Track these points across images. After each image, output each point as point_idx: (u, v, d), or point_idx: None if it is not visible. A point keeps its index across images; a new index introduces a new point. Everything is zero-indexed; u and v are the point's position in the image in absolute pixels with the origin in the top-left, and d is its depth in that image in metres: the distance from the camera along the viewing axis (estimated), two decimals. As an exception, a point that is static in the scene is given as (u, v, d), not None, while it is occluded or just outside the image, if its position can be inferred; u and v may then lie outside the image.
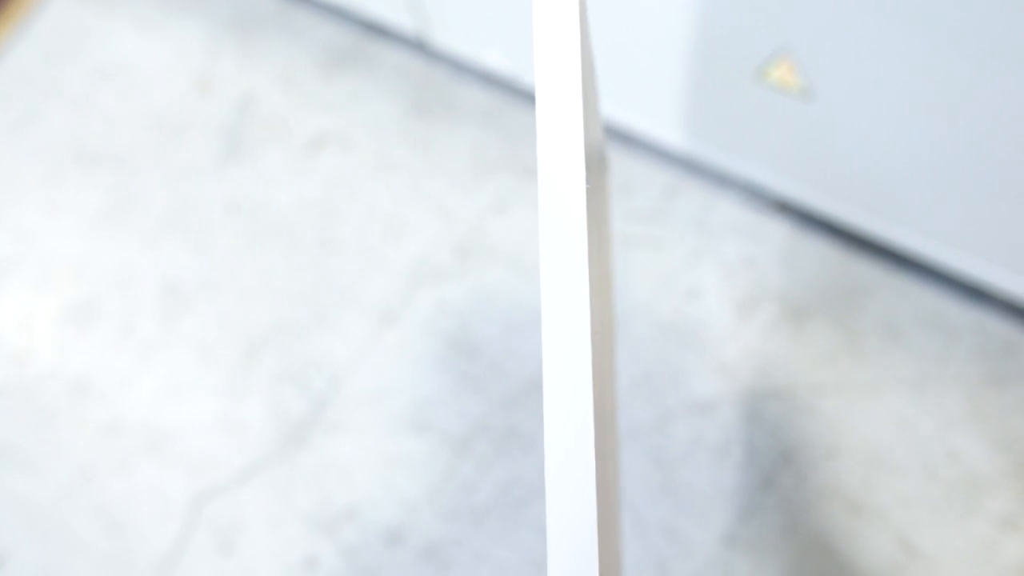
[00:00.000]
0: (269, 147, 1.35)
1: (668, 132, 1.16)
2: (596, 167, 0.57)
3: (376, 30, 1.44)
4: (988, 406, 1.06)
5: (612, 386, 0.72)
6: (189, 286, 1.26)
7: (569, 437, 0.43)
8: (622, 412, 1.10)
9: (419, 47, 1.40)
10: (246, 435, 1.15)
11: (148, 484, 1.14)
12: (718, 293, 1.16)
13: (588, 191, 0.44)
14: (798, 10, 0.88)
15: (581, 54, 0.44)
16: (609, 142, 1.27)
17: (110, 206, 1.34)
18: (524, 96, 1.32)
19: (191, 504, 1.12)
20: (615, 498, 0.56)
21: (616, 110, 1.18)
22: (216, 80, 1.43)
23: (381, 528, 1.09)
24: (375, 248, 1.25)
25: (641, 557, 1.05)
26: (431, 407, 1.13)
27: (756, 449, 1.07)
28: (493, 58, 1.24)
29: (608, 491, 0.50)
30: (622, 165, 1.26)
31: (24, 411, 1.20)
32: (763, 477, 1.06)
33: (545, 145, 0.42)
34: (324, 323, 1.20)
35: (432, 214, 1.26)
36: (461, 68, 1.37)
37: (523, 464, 1.10)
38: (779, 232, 1.18)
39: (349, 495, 1.10)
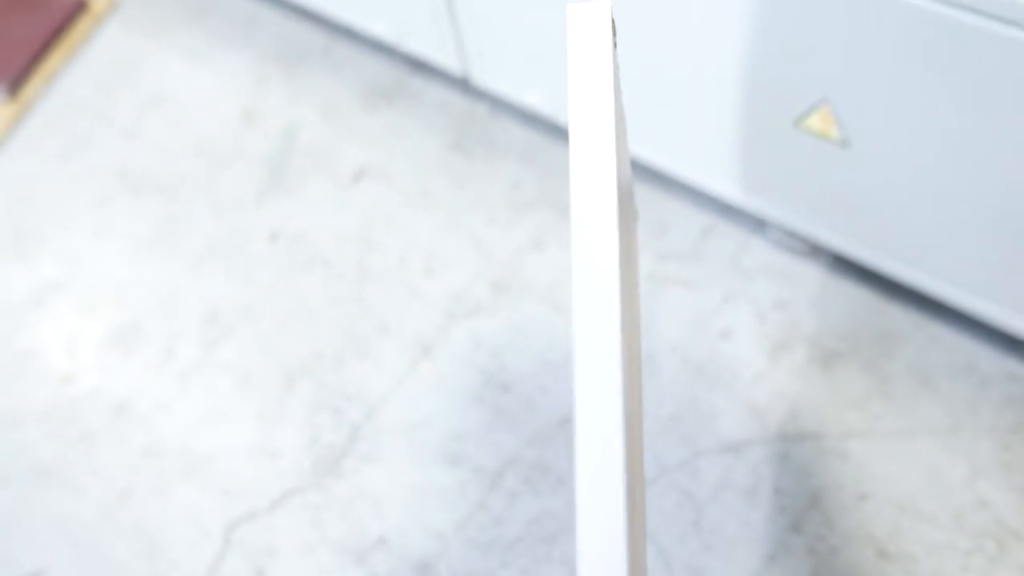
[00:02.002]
0: (311, 179, 1.38)
1: (706, 175, 1.17)
2: (626, 207, 0.59)
3: (419, 66, 1.47)
4: (1018, 455, 1.06)
5: (640, 425, 0.74)
6: (230, 313, 1.28)
7: (600, 474, 0.43)
8: (652, 451, 1.12)
9: (461, 84, 1.43)
10: (281, 462, 1.17)
11: (184, 507, 1.16)
12: (750, 334, 1.17)
13: (619, 232, 0.45)
14: (837, 64, 0.90)
15: (615, 102, 0.45)
16: (647, 183, 1.29)
17: (155, 233, 1.37)
18: (564, 134, 1.35)
19: (226, 528, 1.14)
20: (641, 532, 0.57)
21: (656, 153, 1.20)
22: (262, 112, 1.47)
23: (411, 558, 1.10)
24: (412, 281, 1.27)
25: (668, 596, 1.06)
26: (464, 440, 1.15)
27: (785, 491, 1.08)
28: (533, 98, 1.26)
29: (636, 528, 0.52)
30: (659, 205, 1.27)
31: (66, 431, 1.23)
32: (791, 520, 1.06)
33: (579, 191, 0.44)
34: (360, 354, 1.23)
35: (469, 249, 1.28)
36: (502, 105, 1.40)
37: (552, 499, 1.11)
38: (812, 275, 1.19)
39: (381, 525, 1.12)
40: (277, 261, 1.32)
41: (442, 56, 1.32)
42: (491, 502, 1.12)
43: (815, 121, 0.97)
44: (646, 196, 1.28)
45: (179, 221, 1.38)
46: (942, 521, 1.05)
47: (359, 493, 1.14)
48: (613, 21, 0.47)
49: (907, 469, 1.07)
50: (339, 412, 1.19)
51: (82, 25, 1.63)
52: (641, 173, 1.29)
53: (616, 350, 0.43)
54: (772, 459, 1.10)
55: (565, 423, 1.15)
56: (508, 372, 1.19)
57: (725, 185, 1.17)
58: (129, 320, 1.30)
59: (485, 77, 1.30)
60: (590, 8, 0.46)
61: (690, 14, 0.97)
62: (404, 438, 1.17)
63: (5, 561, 1.16)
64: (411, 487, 1.14)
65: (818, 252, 1.20)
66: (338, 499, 1.14)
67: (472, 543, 1.10)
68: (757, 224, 1.23)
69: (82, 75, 1.56)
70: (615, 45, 0.49)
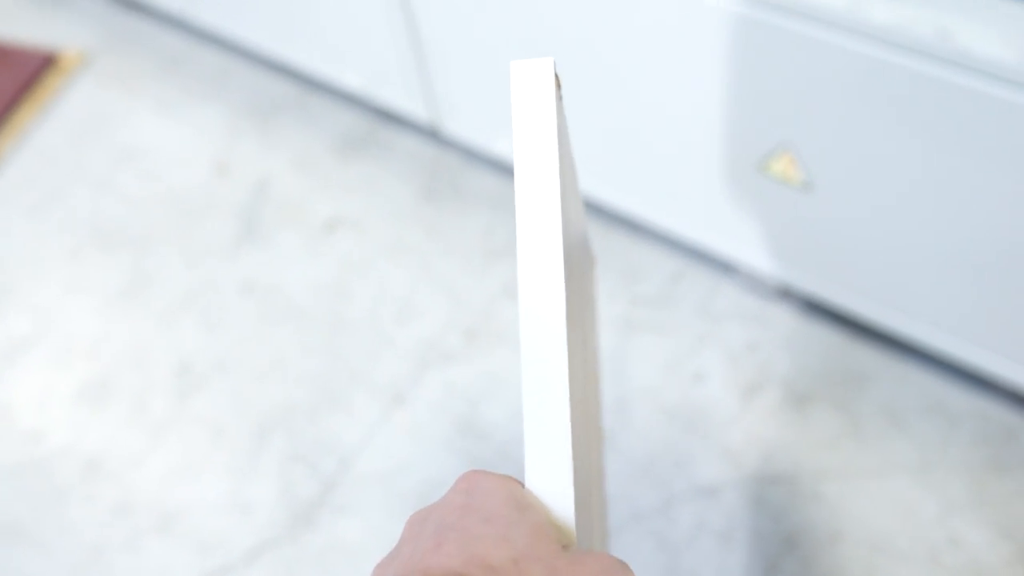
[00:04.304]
0: (284, 229, 1.39)
1: (675, 220, 1.19)
2: (576, 254, 0.59)
3: (389, 117, 1.48)
4: (990, 492, 1.07)
5: (599, 471, 0.73)
6: (203, 366, 1.28)
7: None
8: (626, 496, 1.12)
9: (431, 134, 1.44)
10: (255, 515, 1.16)
11: (157, 564, 1.15)
12: (723, 378, 1.17)
13: (568, 282, 0.46)
14: (800, 108, 0.91)
15: (559, 157, 0.46)
16: (616, 229, 1.30)
17: (128, 286, 1.37)
18: (533, 182, 1.35)
19: (200, 584, 1.13)
20: None
21: (624, 199, 1.21)
22: (234, 163, 1.47)
23: (388, 610, 1.09)
24: (386, 330, 1.27)
25: (646, 642, 1.05)
26: (439, 489, 1.15)
27: (760, 534, 1.08)
28: (503, 147, 1.27)
29: None
30: (629, 251, 1.28)
31: (36, 489, 1.22)
32: (767, 562, 1.06)
33: (525, 250, 0.44)
34: (335, 404, 1.22)
35: (442, 297, 1.29)
36: (472, 154, 1.41)
37: (529, 547, 1.11)
38: (782, 318, 1.21)
39: (356, 576, 1.11)
40: (250, 312, 1.32)
41: (412, 106, 1.34)
42: (467, 551, 1.11)
43: (778, 166, 0.99)
44: (615, 242, 1.29)
45: (151, 274, 1.38)
46: (917, 559, 1.05)
47: (334, 545, 1.13)
48: (557, 76, 0.47)
49: (881, 508, 1.08)
50: (313, 463, 1.19)
51: (52, 79, 1.64)
52: (610, 219, 1.30)
53: (564, 404, 0.42)
54: (747, 502, 1.10)
55: (540, 470, 1.15)
56: (483, 420, 1.19)
57: (693, 230, 1.18)
58: (101, 374, 1.29)
59: (455, 127, 1.32)
60: (533, 65, 0.47)
61: (654, 65, 0.99)
62: (379, 488, 1.16)
63: (-25, 622, 1.14)
64: (387, 537, 1.13)
65: (787, 295, 1.22)
66: (313, 551, 1.13)
67: (449, 593, 1.09)
68: (726, 268, 1.25)
69: (54, 129, 1.57)
70: (561, 98, 0.50)
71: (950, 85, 0.79)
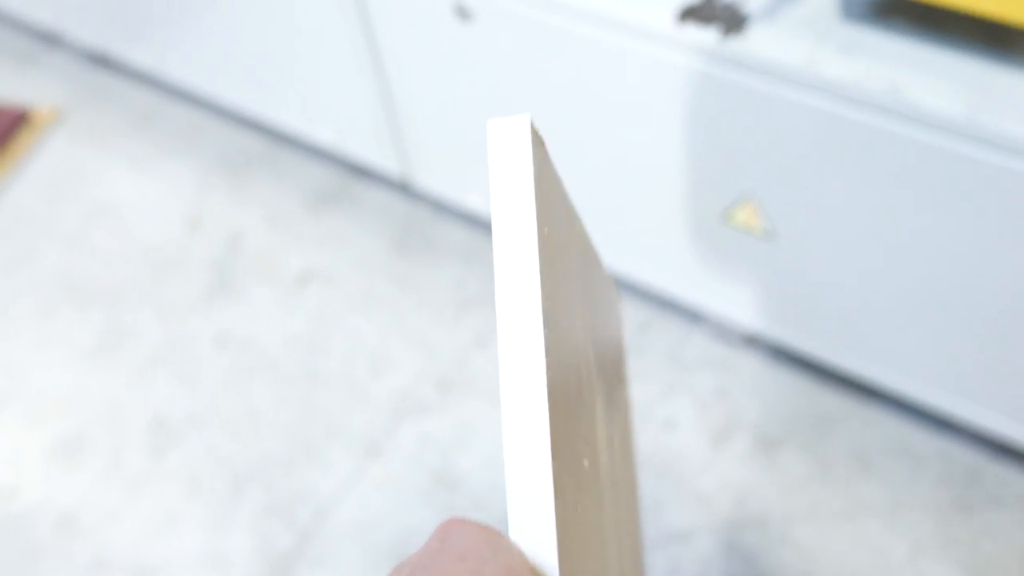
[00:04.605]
0: (257, 283, 1.40)
1: (642, 270, 1.21)
2: (597, 298, 0.58)
3: (361, 172, 1.50)
4: (957, 531, 1.09)
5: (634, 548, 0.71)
6: (177, 420, 1.28)
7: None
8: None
9: (402, 188, 1.46)
10: (231, 569, 1.16)
11: (132, 620, 1.14)
12: (693, 424, 1.19)
13: (563, 329, 0.45)
14: (761, 160, 0.94)
15: (537, 212, 0.45)
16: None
17: (100, 341, 1.37)
18: (503, 233, 1.37)
19: (175, 640, 1.13)
20: None
21: (591, 248, 1.23)
22: (206, 218, 1.49)
23: (365, 663, 1.09)
24: (360, 382, 1.28)
25: None
26: (415, 539, 1.15)
27: (733, 578, 1.09)
28: (474, 200, 1.29)
29: None
30: (598, 299, 1.30)
31: (9, 548, 1.21)
32: (741, 606, 1.07)
33: (504, 311, 0.43)
34: (310, 456, 1.23)
35: (415, 349, 1.30)
36: (443, 208, 1.43)
37: (505, 596, 1.11)
38: (750, 364, 1.23)
39: (333, 629, 1.11)
40: (224, 366, 1.32)
41: (383, 161, 1.36)
42: (444, 601, 1.11)
43: (741, 216, 1.01)
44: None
45: (124, 329, 1.38)
46: (887, 601, 1.06)
47: (311, 598, 1.13)
48: (536, 131, 0.47)
49: (850, 550, 1.09)
50: (289, 516, 1.19)
51: (25, 136, 1.64)
52: (581, 269, 1.32)
53: (545, 451, 0.41)
54: (720, 546, 1.11)
55: (515, 518, 1.15)
56: (457, 470, 1.19)
57: (660, 280, 1.20)
58: (74, 430, 1.29)
59: (425, 180, 1.33)
60: (509, 123, 0.46)
61: (618, 120, 1.02)
62: (355, 540, 1.16)
63: None
64: (363, 589, 1.13)
65: (755, 342, 1.24)
66: (289, 605, 1.13)
67: (426, 644, 1.09)
68: (694, 317, 1.27)
69: (27, 185, 1.57)
70: (547, 155, 0.49)
71: (901, 138, 0.82)
